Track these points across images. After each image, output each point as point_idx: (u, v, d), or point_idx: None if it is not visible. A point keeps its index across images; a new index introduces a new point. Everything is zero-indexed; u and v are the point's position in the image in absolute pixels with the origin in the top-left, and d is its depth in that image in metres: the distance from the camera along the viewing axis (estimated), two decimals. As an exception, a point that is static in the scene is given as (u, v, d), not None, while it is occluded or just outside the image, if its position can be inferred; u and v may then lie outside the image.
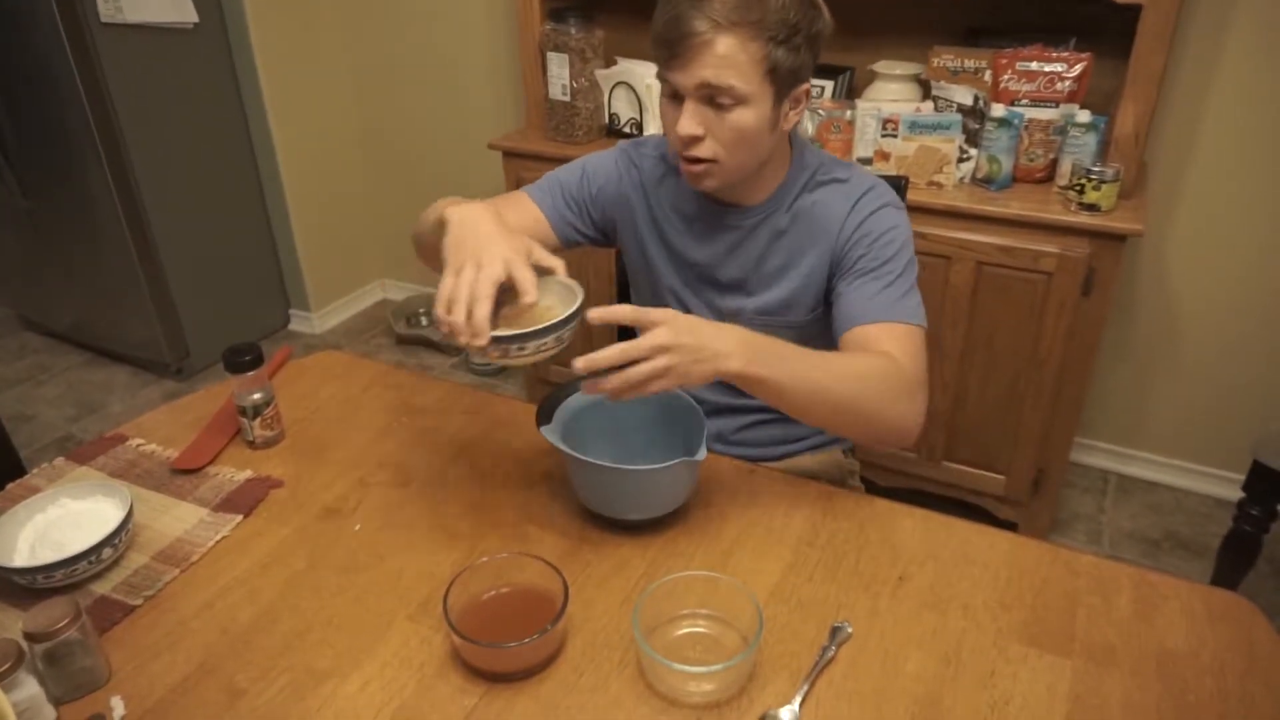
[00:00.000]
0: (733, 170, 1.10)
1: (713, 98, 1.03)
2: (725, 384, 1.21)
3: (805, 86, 1.09)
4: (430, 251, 1.06)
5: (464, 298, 0.87)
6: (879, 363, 1.04)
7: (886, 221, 1.15)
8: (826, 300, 1.20)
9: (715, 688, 0.81)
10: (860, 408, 1.01)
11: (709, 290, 1.26)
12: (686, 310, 1.24)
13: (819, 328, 1.22)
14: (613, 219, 1.31)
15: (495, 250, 0.91)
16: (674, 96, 1.07)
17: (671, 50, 1.02)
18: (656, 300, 1.32)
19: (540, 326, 0.89)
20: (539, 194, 1.29)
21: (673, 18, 1.01)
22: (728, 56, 1.00)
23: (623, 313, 0.90)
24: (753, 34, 1.00)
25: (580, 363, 0.89)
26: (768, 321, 1.22)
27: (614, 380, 0.89)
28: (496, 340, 0.88)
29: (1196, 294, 2.16)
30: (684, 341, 0.89)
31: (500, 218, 0.98)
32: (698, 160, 1.08)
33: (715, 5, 0.99)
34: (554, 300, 0.97)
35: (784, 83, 1.05)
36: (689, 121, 1.05)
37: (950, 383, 2.02)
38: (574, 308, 0.93)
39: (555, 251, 1.05)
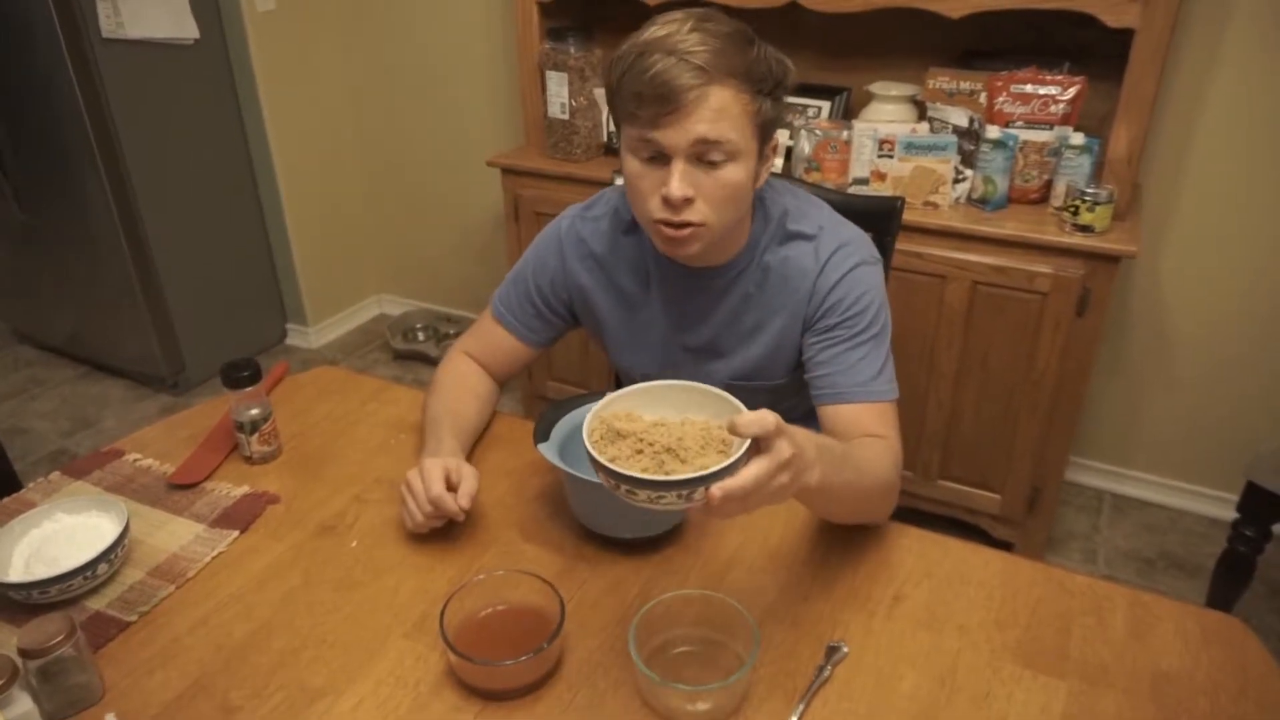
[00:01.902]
0: (717, 232, 1.04)
1: (703, 155, 0.97)
2: None
3: (776, 141, 1.06)
4: None
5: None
6: (885, 453, 1.02)
7: (860, 285, 1.10)
8: (799, 361, 1.17)
9: (711, 707, 0.81)
10: (877, 499, 1.00)
11: (681, 359, 1.21)
12: None
13: (793, 388, 1.20)
14: (571, 302, 1.26)
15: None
16: (653, 159, 1.00)
17: (660, 107, 0.95)
18: (626, 375, 1.28)
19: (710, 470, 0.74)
20: (504, 309, 1.27)
21: (657, 73, 0.94)
22: (722, 109, 0.95)
23: (760, 426, 0.73)
24: (742, 84, 0.97)
25: (718, 491, 0.72)
26: (743, 386, 1.18)
27: (746, 505, 0.75)
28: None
29: (1190, 314, 2.18)
30: (795, 461, 0.76)
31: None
32: (684, 224, 1.01)
33: (701, 54, 0.94)
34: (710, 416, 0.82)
35: (766, 134, 1.03)
36: (681, 183, 0.98)
37: (945, 402, 2.02)
38: (736, 455, 0.74)
39: (538, 356, 1.29)
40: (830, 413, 1.09)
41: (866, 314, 1.10)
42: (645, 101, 0.96)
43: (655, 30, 0.97)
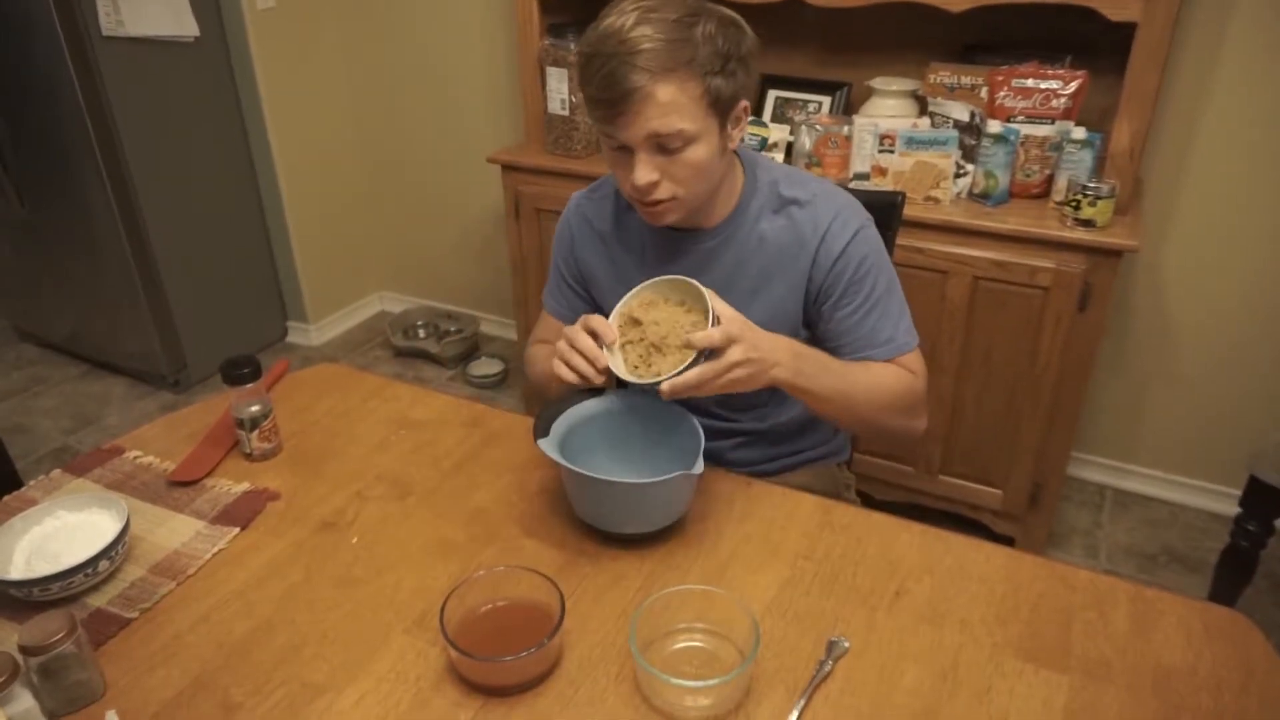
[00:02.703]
0: (692, 201, 1.11)
1: (663, 144, 1.03)
2: (713, 407, 1.21)
3: (744, 104, 1.09)
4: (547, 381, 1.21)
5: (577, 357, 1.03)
6: (903, 381, 1.15)
7: (862, 249, 1.15)
8: (806, 325, 1.21)
9: (712, 702, 0.81)
10: (880, 421, 1.15)
11: None
12: None
13: None
14: (584, 279, 1.32)
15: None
16: (620, 148, 1.06)
17: (611, 109, 1.01)
18: None
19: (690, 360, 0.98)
20: (550, 300, 1.35)
21: (605, 75, 0.99)
22: (670, 103, 1.00)
23: (718, 338, 0.96)
24: (688, 74, 1.00)
25: (666, 388, 0.96)
26: None
27: (690, 389, 0.97)
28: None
29: (1192, 309, 2.17)
30: (752, 356, 0.97)
31: None
32: (657, 201, 1.08)
33: (645, 55, 0.98)
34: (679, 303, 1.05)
35: (725, 109, 1.05)
36: (645, 171, 1.04)
37: (947, 397, 2.02)
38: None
39: None
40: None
41: (871, 275, 1.15)
42: (599, 103, 1.03)
43: (605, 23, 1.01)
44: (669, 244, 1.21)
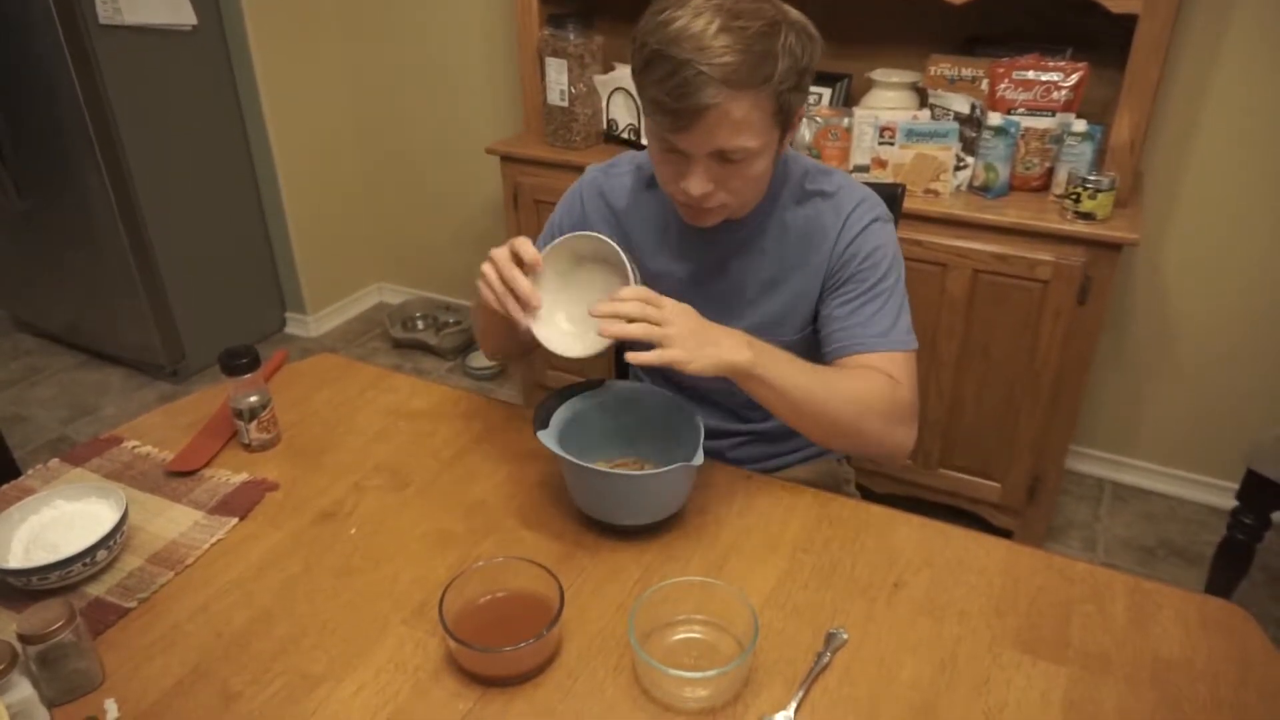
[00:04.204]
0: (741, 208, 1.09)
1: (724, 155, 0.99)
2: (716, 404, 1.20)
3: (802, 110, 1.06)
4: (491, 321, 1.16)
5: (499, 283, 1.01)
6: (879, 386, 1.06)
7: (875, 239, 1.12)
8: (815, 319, 1.18)
9: (710, 693, 0.81)
10: (856, 428, 1.05)
11: (693, 307, 1.22)
12: None
13: (806, 347, 1.19)
14: None
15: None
16: (673, 150, 1.00)
17: (679, 119, 0.94)
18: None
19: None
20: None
21: (678, 83, 0.92)
22: (743, 120, 0.95)
23: (631, 300, 0.95)
24: (767, 92, 0.95)
25: (602, 306, 0.94)
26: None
27: (634, 328, 0.93)
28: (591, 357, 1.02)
29: (1191, 303, 2.17)
30: (694, 326, 0.95)
31: None
32: (706, 208, 1.05)
33: (725, 66, 0.91)
34: (567, 268, 1.06)
35: (789, 119, 1.02)
36: (699, 182, 1.00)
37: (946, 390, 2.02)
38: (629, 268, 1.02)
39: None
40: (844, 364, 1.11)
41: (880, 267, 1.12)
42: (665, 110, 0.95)
43: (679, 19, 0.93)
44: (696, 233, 1.17)
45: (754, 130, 0.97)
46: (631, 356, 0.93)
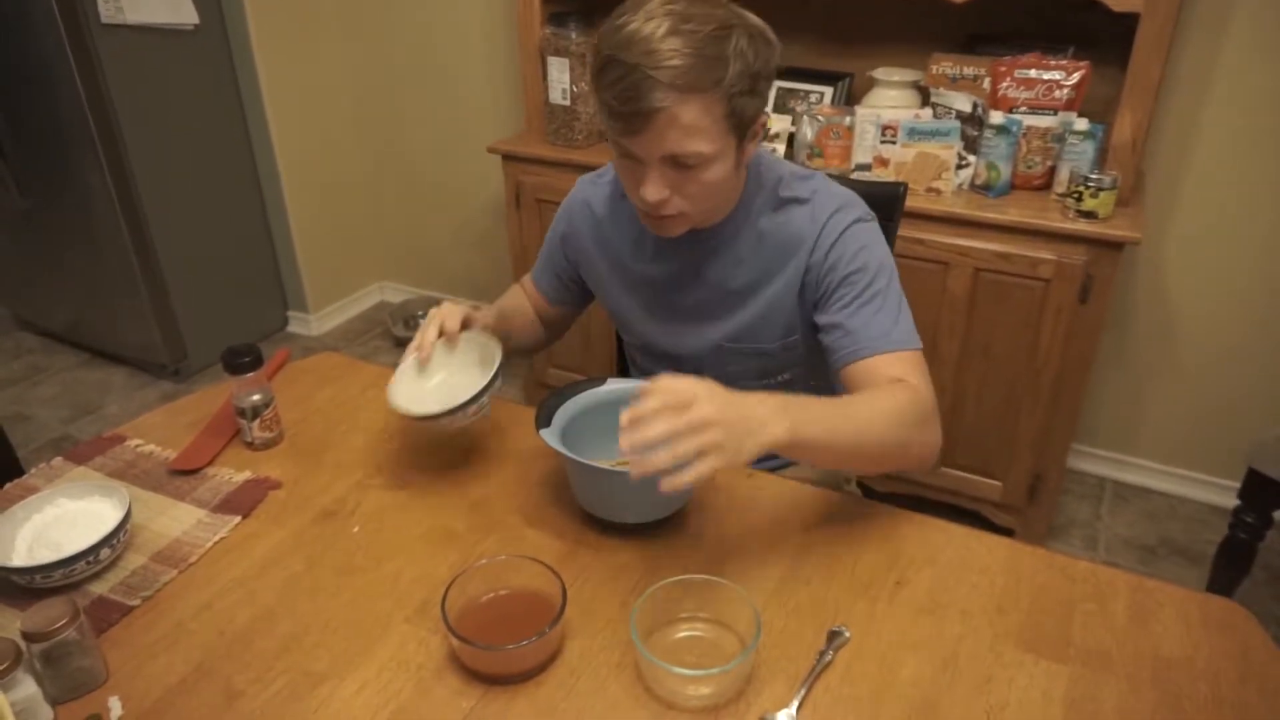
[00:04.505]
0: (700, 217, 1.08)
1: (678, 160, 0.98)
2: None
3: (762, 119, 1.04)
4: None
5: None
6: (902, 396, 1.00)
7: (858, 240, 1.10)
8: (802, 330, 1.17)
9: (713, 691, 0.82)
10: (894, 446, 0.99)
11: (675, 319, 1.23)
12: (665, 354, 1.26)
13: (791, 358, 1.19)
14: (578, 264, 1.31)
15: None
16: (630, 156, 1.00)
17: (630, 124, 0.95)
18: (624, 329, 1.32)
19: (449, 408, 1.04)
20: (537, 268, 1.37)
21: (626, 87, 0.92)
22: (692, 125, 0.94)
23: (651, 404, 0.81)
24: (717, 96, 0.94)
25: (625, 443, 0.80)
26: (737, 349, 1.19)
27: (665, 457, 0.79)
28: (420, 418, 1.06)
29: (1193, 301, 2.17)
30: (729, 416, 0.81)
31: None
32: (664, 216, 1.04)
33: (672, 69, 0.91)
34: (474, 360, 1.16)
35: (746, 126, 1.01)
36: (655, 188, 1.00)
37: (948, 389, 2.02)
38: (486, 380, 1.07)
39: (575, 315, 1.40)
40: (851, 372, 1.07)
41: (869, 269, 1.08)
42: (615, 114, 0.96)
43: (631, 26, 0.93)
44: (670, 242, 1.17)
45: (705, 135, 0.96)
46: (669, 486, 0.80)
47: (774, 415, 0.85)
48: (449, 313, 1.15)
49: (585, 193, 1.28)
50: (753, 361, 1.21)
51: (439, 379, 1.16)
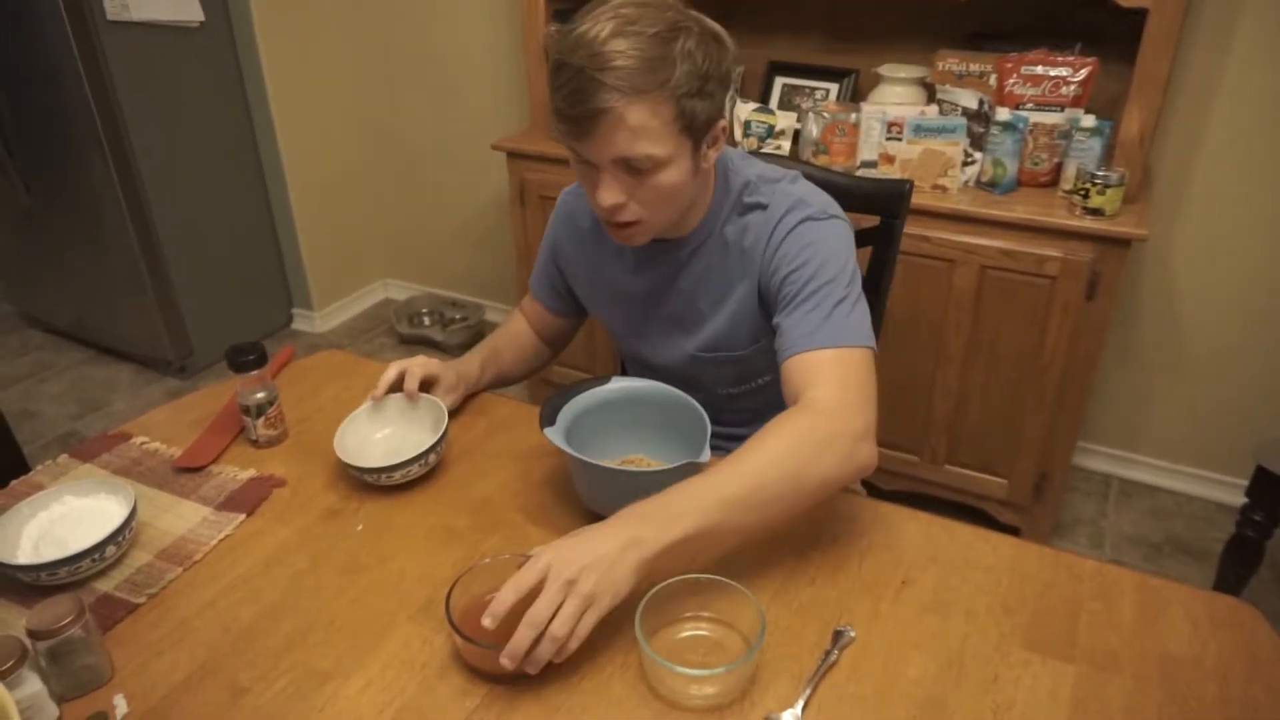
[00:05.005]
0: (660, 223, 1.06)
1: (631, 165, 0.97)
2: (716, 406, 1.18)
3: (722, 123, 1.03)
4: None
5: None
6: (792, 426, 0.93)
7: (800, 240, 1.07)
8: (769, 335, 1.13)
9: (717, 691, 0.81)
10: (794, 485, 0.90)
11: (654, 331, 1.24)
12: (647, 364, 1.27)
13: (766, 361, 1.16)
14: (565, 274, 1.32)
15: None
16: (585, 162, 1.01)
17: (578, 126, 0.95)
18: (611, 333, 1.33)
19: (373, 466, 1.07)
20: (534, 280, 1.38)
21: (572, 91, 0.93)
22: (640, 127, 0.94)
23: (503, 602, 0.80)
24: (663, 96, 0.93)
25: (505, 661, 0.78)
26: (712, 358, 1.20)
27: (543, 649, 0.78)
28: (362, 470, 1.08)
29: (1200, 299, 2.16)
30: (583, 562, 0.78)
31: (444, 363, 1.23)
32: (624, 223, 1.04)
33: (618, 71, 0.91)
34: (429, 423, 1.16)
35: (701, 130, 0.99)
36: (608, 193, 0.99)
37: (953, 386, 2.02)
38: (432, 442, 1.09)
39: (578, 324, 1.43)
40: (782, 370, 1.03)
41: (809, 265, 1.05)
42: (564, 118, 0.96)
43: (580, 29, 0.94)
44: (649, 251, 1.17)
45: (653, 136, 0.95)
46: (563, 658, 0.80)
47: (632, 534, 0.81)
48: (415, 366, 1.18)
49: (569, 206, 1.28)
50: (728, 369, 1.22)
51: (388, 432, 1.18)
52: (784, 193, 1.12)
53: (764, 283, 1.11)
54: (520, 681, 0.84)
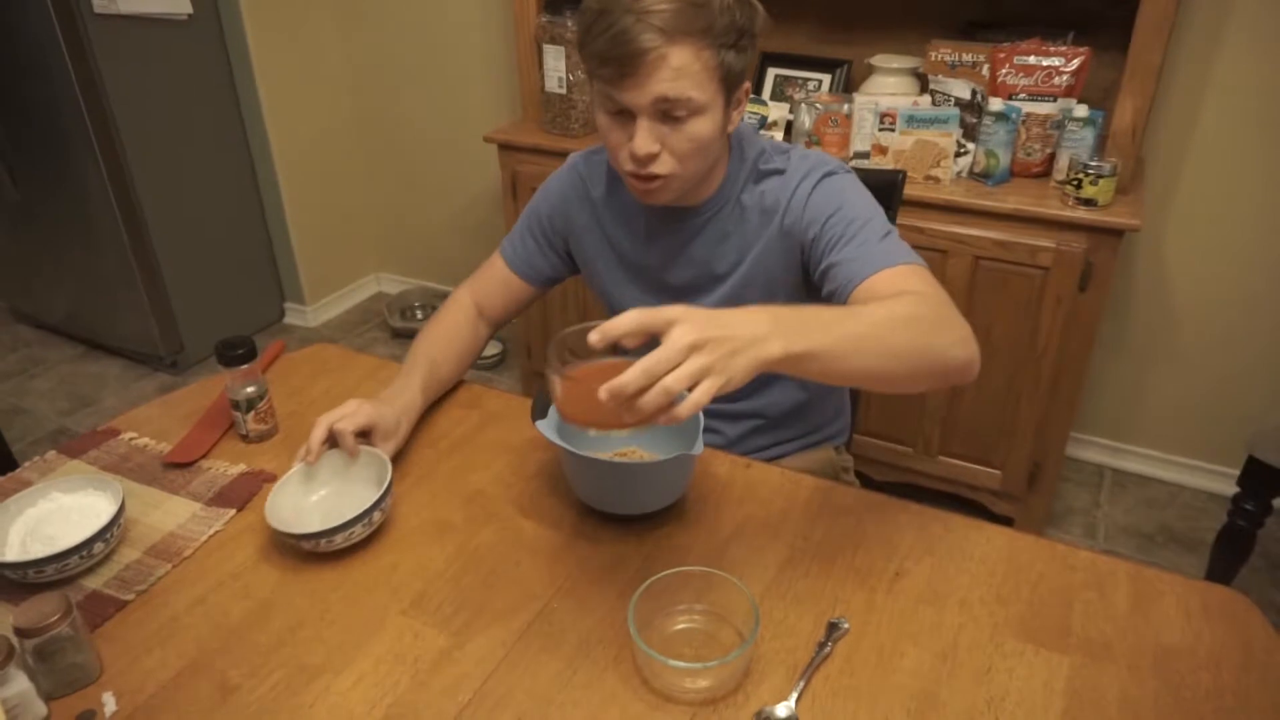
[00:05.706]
0: (687, 181, 1.08)
1: (668, 111, 1.00)
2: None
3: (746, 85, 1.07)
4: None
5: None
6: (909, 300, 0.94)
7: (827, 192, 1.10)
8: (784, 293, 1.16)
9: (711, 684, 0.81)
10: (913, 354, 0.90)
11: (664, 300, 1.20)
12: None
13: None
14: (567, 239, 1.31)
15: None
16: (619, 113, 1.02)
17: (621, 69, 0.97)
18: (618, 308, 1.30)
19: (343, 521, 0.95)
20: (509, 246, 1.33)
21: (617, 33, 0.95)
22: (683, 68, 0.97)
23: (627, 322, 0.74)
24: (705, 42, 0.97)
25: (604, 392, 0.72)
26: None
27: (650, 398, 0.72)
28: (301, 537, 0.96)
29: (1193, 289, 2.16)
30: (712, 335, 0.73)
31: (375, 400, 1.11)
32: (652, 176, 1.05)
33: (662, 14, 0.94)
34: (372, 475, 1.06)
35: (733, 85, 1.04)
36: (646, 139, 1.01)
37: (946, 377, 2.01)
38: (379, 494, 0.98)
39: (535, 296, 1.35)
40: (854, 300, 1.02)
41: (846, 209, 1.08)
42: (606, 61, 0.98)
43: None
44: (662, 219, 1.19)
45: (694, 79, 0.98)
46: (671, 419, 0.75)
47: (765, 330, 0.77)
48: (346, 420, 1.05)
49: (579, 168, 1.27)
50: None
51: (324, 493, 1.06)
52: (800, 155, 1.16)
53: (793, 244, 1.13)
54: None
